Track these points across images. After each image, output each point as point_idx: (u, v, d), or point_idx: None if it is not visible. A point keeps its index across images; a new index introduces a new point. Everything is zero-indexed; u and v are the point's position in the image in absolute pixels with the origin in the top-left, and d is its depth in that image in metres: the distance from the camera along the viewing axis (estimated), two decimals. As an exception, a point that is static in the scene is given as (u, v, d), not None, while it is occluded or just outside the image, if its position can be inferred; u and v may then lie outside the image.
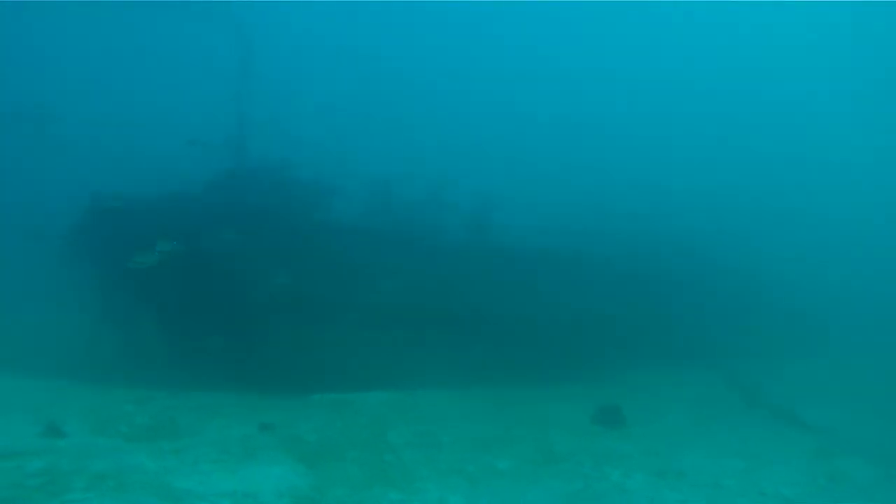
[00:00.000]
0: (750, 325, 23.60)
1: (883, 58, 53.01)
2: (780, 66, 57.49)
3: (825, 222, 40.11)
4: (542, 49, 64.36)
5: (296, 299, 16.90)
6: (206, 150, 17.18)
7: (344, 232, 17.73)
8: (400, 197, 19.74)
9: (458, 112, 56.38)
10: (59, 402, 13.67)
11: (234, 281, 16.46)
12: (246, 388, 15.72)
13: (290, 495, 9.50)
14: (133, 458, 10.39)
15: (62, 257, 18.51)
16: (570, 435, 13.70)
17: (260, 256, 16.55)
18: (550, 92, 59.13)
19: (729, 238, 26.87)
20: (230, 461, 10.68)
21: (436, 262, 18.80)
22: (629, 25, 62.46)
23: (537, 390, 17.58)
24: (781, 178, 44.63)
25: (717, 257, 25.01)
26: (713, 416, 16.27)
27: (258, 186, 17.91)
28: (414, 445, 12.03)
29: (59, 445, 10.68)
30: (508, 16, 65.84)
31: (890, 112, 52.73)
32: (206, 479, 9.76)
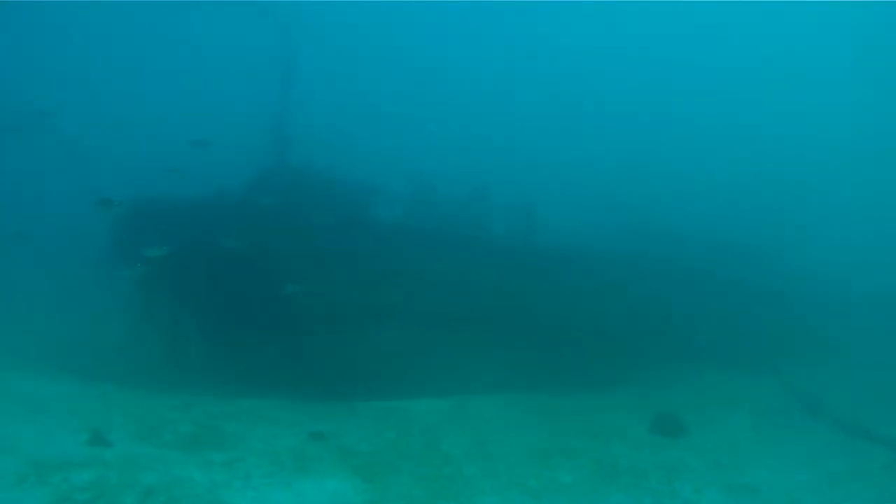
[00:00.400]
0: (808, 328, 22.80)
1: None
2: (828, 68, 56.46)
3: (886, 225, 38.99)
4: (584, 47, 63.77)
5: (339, 303, 16.38)
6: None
7: (388, 233, 17.18)
8: (444, 196, 19.13)
9: (503, 112, 56.00)
10: (103, 409, 13.24)
11: (276, 283, 15.94)
12: (288, 393, 15.27)
13: (348, 512, 8.98)
14: (182, 471, 9.88)
15: (103, 260, 18.18)
16: (629, 445, 13.05)
17: (303, 259, 16.02)
18: (596, 90, 58.50)
19: (787, 239, 26.02)
20: (282, 474, 10.15)
21: (483, 263, 18.22)
22: (679, 24, 61.62)
23: (589, 396, 17.01)
24: (837, 177, 43.53)
25: (776, 258, 24.23)
26: (775, 425, 15.61)
27: (301, 187, 17.41)
28: (471, 457, 11.43)
29: (106, 456, 10.18)
30: (555, 15, 65.37)
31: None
32: (261, 496, 9.23)
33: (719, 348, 20.71)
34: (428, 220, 18.29)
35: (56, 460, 9.72)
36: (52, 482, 8.91)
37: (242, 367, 16.72)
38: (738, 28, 59.74)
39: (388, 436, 12.21)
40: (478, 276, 18.15)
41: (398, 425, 12.98)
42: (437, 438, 12.25)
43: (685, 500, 10.42)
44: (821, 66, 56.59)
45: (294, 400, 14.87)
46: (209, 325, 16.84)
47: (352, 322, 16.47)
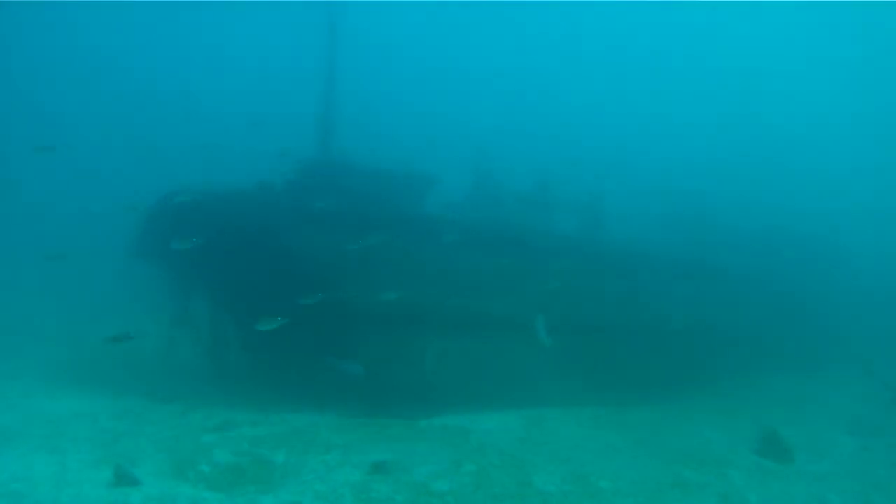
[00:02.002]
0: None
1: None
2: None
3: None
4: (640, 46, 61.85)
5: (393, 307, 14.12)
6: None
7: (448, 230, 14.92)
8: (508, 190, 16.87)
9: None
10: (130, 431, 11.11)
11: (324, 286, 13.71)
12: (339, 408, 13.11)
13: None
14: (225, 520, 7.68)
15: (130, 262, 16.18)
16: (744, 474, 10.74)
17: (354, 261, 13.80)
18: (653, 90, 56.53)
19: (870, 237, 23.54)
20: (349, 524, 7.90)
21: (547, 262, 15.93)
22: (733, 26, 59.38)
23: (669, 406, 14.78)
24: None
25: (857, 256, 21.79)
26: (891, 444, 13.13)
27: (350, 183, 15.23)
28: (572, 496, 9.12)
29: (132, 501, 7.98)
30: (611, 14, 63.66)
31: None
32: (327, 560, 6.98)
33: (799, 350, 18.34)
34: (491, 216, 16.03)
35: (73, 509, 7.56)
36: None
37: (287, 376, 14.60)
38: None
39: (468, 469, 9.90)
40: (542, 277, 15.85)
41: (474, 453, 10.69)
42: (525, 471, 9.95)
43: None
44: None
45: (346, 416, 12.68)
46: (250, 331, 14.58)
47: (405, 329, 14.18)
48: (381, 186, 15.19)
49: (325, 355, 12.88)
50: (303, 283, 13.05)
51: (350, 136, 15.85)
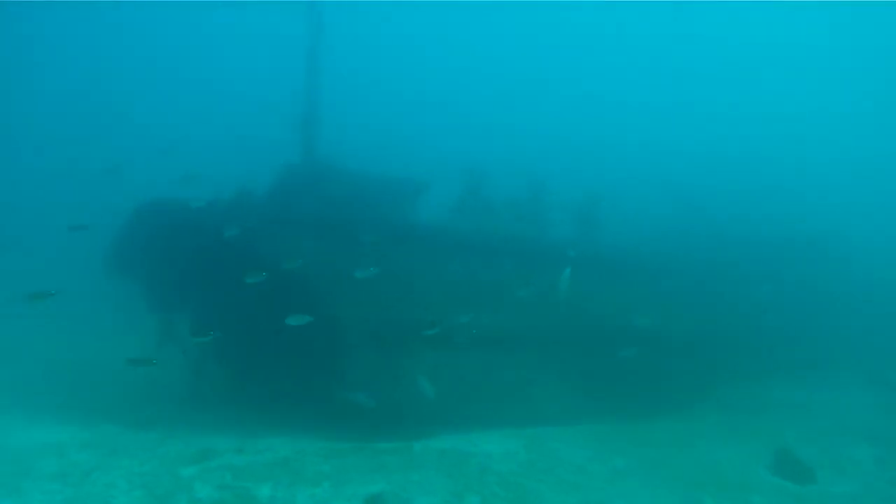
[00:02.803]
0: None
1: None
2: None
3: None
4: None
5: (382, 322, 13.22)
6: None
7: (437, 239, 14.05)
8: (499, 195, 16.00)
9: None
10: (101, 466, 10.15)
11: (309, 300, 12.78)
12: (326, 430, 12.22)
13: None
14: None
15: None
16: (768, 501, 9.88)
17: (340, 273, 12.89)
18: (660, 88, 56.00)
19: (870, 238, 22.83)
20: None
21: (543, 270, 15.09)
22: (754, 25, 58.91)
23: (677, 421, 13.99)
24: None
25: (862, 258, 21.08)
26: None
27: (334, 189, 14.32)
28: (588, 534, 8.26)
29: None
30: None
31: None
32: None
33: (811, 358, 17.60)
34: (482, 223, 15.16)
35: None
36: None
37: (272, 397, 13.70)
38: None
39: (471, 502, 8.99)
40: (538, 285, 15.01)
41: (476, 482, 9.84)
42: (533, 502, 9.04)
43: None
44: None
45: (335, 440, 11.79)
46: (232, 349, 13.65)
47: (397, 345, 13.27)
48: (369, 192, 14.31)
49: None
50: (287, 297, 12.15)
51: (336, 140, 14.93)
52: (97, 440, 11.62)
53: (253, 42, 58.06)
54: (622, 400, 14.63)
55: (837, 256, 20.83)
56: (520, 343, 14.23)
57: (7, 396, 14.47)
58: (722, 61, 58.75)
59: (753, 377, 17.27)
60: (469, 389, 13.45)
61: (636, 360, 15.46)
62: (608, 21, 64.21)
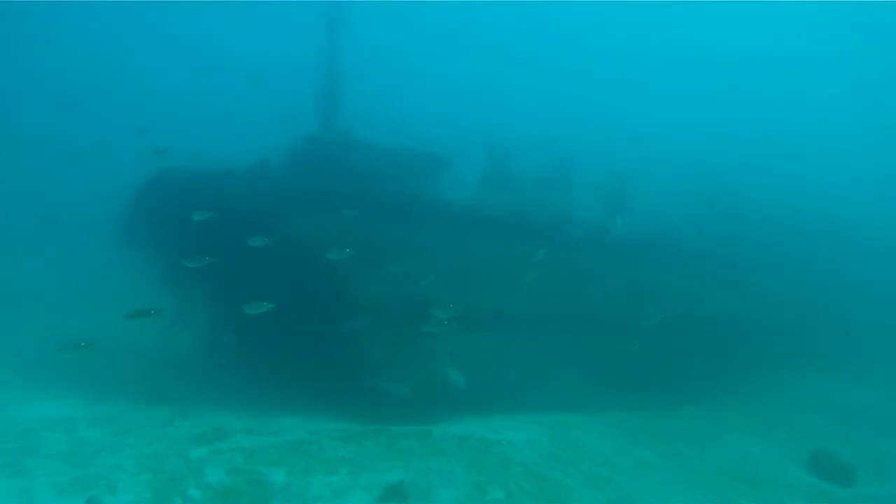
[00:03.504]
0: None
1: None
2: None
3: None
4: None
5: (402, 302, 12.64)
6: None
7: (460, 217, 13.44)
8: (524, 172, 15.34)
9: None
10: (110, 445, 9.67)
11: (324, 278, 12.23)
12: (343, 410, 11.74)
13: None
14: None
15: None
16: (801, 501, 9.31)
17: (361, 250, 12.31)
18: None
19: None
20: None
21: (567, 252, 14.47)
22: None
23: (702, 411, 13.44)
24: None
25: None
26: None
27: (351, 163, 13.70)
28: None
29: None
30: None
31: None
32: None
33: (839, 349, 16.94)
34: (506, 202, 14.53)
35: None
36: None
37: (285, 372, 13.20)
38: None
39: (496, 496, 8.52)
40: (562, 269, 14.41)
41: (499, 473, 9.33)
42: (561, 497, 8.51)
43: None
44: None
45: (351, 422, 11.30)
46: (246, 322, 13.11)
47: (413, 326, 12.68)
48: (390, 166, 13.70)
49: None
50: (302, 269, 11.63)
51: (356, 114, 14.30)
52: (107, 415, 11.22)
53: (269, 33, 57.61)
54: (644, 387, 14.10)
55: (864, 245, 20.07)
56: (540, 327, 13.66)
57: (16, 368, 14.07)
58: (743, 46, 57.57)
59: (779, 367, 16.65)
60: (489, 373, 12.90)
61: (658, 347, 14.91)
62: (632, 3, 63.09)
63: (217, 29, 60.06)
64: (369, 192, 13.08)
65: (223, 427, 10.78)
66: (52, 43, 52.97)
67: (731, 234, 17.66)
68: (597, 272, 14.91)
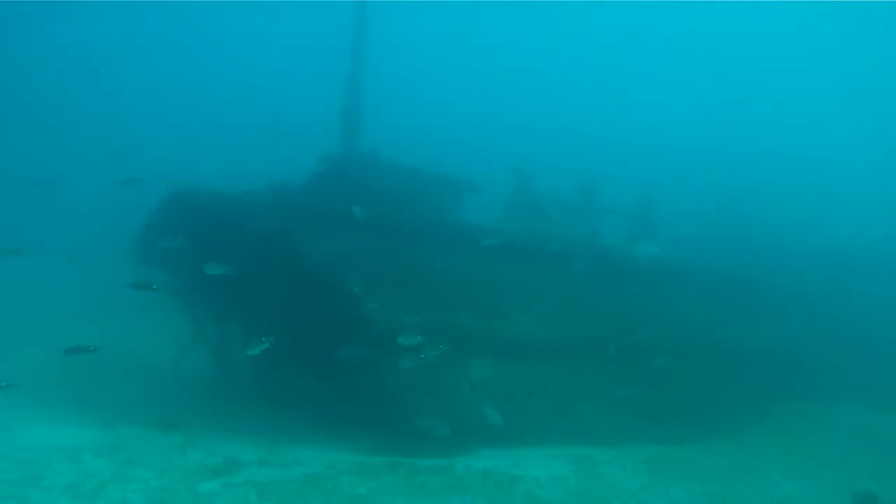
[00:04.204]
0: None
1: None
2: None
3: None
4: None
5: (423, 330, 12.08)
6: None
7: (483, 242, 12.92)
8: (548, 195, 14.85)
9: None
10: (117, 477, 9.18)
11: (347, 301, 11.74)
12: (359, 441, 11.22)
13: None
14: None
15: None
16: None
17: (382, 274, 11.85)
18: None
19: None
20: None
21: (593, 279, 13.96)
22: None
23: (735, 447, 12.83)
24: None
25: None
26: None
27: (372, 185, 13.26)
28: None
29: None
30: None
31: None
32: None
33: (873, 380, 16.31)
34: (530, 226, 14.04)
35: None
36: None
37: (300, 400, 12.73)
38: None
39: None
40: (587, 295, 13.90)
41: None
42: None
43: None
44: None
45: (368, 454, 10.76)
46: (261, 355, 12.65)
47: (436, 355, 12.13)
48: (415, 189, 13.25)
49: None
50: (320, 294, 11.16)
51: (379, 134, 13.88)
52: (114, 443, 10.73)
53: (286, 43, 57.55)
54: (673, 419, 13.53)
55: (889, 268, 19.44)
56: (565, 355, 13.14)
57: (21, 390, 13.57)
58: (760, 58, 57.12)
59: (809, 396, 16.03)
60: (512, 404, 12.36)
61: (686, 375, 14.38)
62: (652, 20, 62.84)
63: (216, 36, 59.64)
64: (393, 214, 12.65)
65: (236, 457, 10.27)
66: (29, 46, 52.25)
67: (757, 259, 17.10)
68: (620, 298, 14.40)
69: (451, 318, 11.94)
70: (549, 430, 12.31)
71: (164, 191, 12.78)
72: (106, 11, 52.99)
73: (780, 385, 15.81)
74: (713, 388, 14.82)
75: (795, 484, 11.00)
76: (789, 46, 56.75)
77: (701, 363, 14.40)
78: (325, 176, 12.81)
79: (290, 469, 9.96)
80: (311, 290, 11.44)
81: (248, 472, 9.71)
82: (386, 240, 12.03)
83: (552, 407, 12.74)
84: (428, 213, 12.97)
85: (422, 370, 11.71)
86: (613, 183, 17.78)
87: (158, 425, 11.77)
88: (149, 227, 13.29)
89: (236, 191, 12.55)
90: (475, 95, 59.62)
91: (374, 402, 11.64)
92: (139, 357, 16.79)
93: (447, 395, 11.88)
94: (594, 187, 15.47)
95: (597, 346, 13.50)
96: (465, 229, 12.87)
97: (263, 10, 57.95)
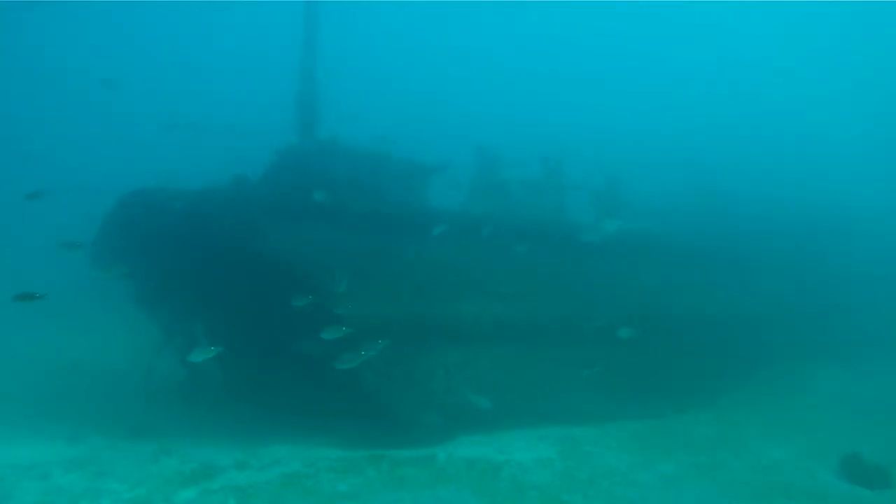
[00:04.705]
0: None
1: None
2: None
3: None
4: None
5: (393, 317, 11.81)
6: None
7: (450, 225, 12.65)
8: (514, 175, 14.63)
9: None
10: (89, 491, 8.81)
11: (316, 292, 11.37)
12: (337, 435, 10.96)
13: None
14: None
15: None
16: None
17: (351, 261, 11.53)
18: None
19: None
20: None
21: (564, 256, 13.79)
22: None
23: (717, 414, 12.78)
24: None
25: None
26: None
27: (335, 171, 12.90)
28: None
29: None
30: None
31: None
32: None
33: (849, 341, 16.43)
34: (498, 206, 13.80)
35: None
36: None
37: (276, 398, 12.39)
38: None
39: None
40: (561, 273, 13.74)
41: (513, 498, 8.58)
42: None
43: None
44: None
45: (348, 448, 10.52)
46: (230, 347, 12.24)
47: (410, 341, 11.88)
48: (376, 175, 12.91)
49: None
50: (287, 288, 10.80)
51: (337, 120, 13.50)
52: (85, 456, 10.31)
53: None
54: (653, 392, 13.46)
55: (868, 236, 19.60)
56: (540, 336, 12.97)
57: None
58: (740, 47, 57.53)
59: (785, 358, 16.10)
60: (490, 387, 12.15)
61: (665, 347, 14.34)
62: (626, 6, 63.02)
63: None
64: (354, 202, 12.32)
65: (213, 462, 9.92)
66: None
67: (729, 230, 17.08)
68: (588, 276, 14.26)
69: (418, 305, 11.69)
70: (529, 412, 12.14)
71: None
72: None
73: (754, 351, 15.83)
74: (687, 359, 14.77)
75: (780, 450, 10.99)
76: (789, 44, 57.05)
77: (671, 335, 14.33)
78: (283, 167, 12.41)
79: (269, 470, 9.65)
80: (274, 285, 11.09)
81: (226, 477, 9.38)
82: (349, 228, 11.72)
83: (531, 389, 12.55)
84: (392, 198, 12.64)
85: (396, 361, 11.48)
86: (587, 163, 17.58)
87: (130, 434, 11.37)
88: (106, 230, 12.78)
89: (192, 188, 12.13)
90: (465, 86, 59.57)
91: (350, 395, 11.35)
92: (104, 365, 16.29)
93: (425, 385, 11.62)
94: (559, 164, 15.27)
95: (567, 326, 13.34)
96: (431, 214, 12.59)
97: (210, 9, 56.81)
